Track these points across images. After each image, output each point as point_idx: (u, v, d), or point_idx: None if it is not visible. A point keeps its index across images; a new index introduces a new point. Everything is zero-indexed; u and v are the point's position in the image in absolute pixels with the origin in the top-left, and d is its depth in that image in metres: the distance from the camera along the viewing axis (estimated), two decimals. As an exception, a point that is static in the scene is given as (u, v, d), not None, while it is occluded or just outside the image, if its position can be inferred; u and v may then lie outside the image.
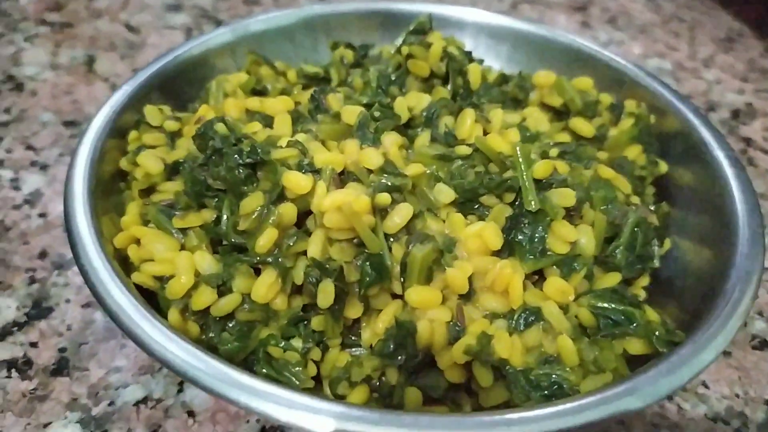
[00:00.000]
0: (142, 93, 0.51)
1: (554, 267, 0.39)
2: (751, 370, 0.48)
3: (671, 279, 0.46)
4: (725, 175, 0.46)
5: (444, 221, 0.40)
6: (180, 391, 0.44)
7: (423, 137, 0.46)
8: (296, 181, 0.37)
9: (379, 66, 0.49)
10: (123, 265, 0.40)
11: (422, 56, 0.49)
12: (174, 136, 0.46)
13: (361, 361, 0.36)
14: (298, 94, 0.50)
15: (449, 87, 0.49)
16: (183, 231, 0.40)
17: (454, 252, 0.38)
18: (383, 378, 0.36)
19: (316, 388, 0.38)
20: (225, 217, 0.39)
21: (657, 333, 0.36)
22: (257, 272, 0.38)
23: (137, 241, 0.40)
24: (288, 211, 0.37)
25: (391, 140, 0.40)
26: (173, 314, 0.36)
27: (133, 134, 0.47)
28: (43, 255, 0.53)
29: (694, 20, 0.93)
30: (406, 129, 0.47)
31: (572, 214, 0.40)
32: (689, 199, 0.49)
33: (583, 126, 0.50)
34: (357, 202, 0.36)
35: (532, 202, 0.38)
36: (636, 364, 0.35)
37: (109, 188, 0.46)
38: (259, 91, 0.52)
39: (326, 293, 0.35)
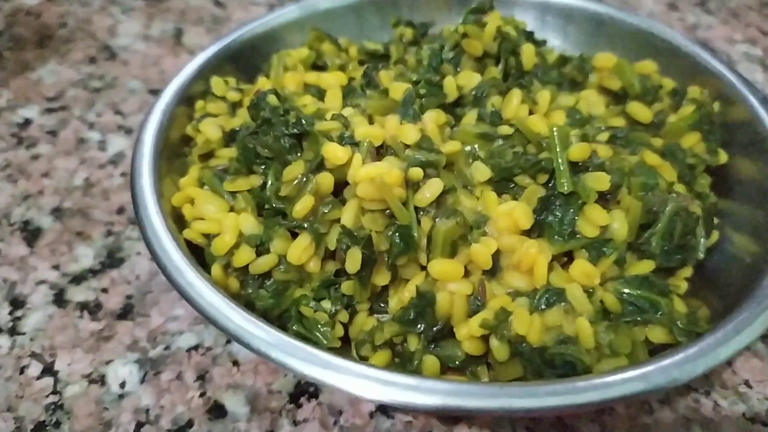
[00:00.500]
0: (214, 65, 0.55)
1: (583, 250, 0.39)
2: (803, 374, 0.46)
3: (717, 271, 0.44)
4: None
5: (478, 198, 0.41)
6: (228, 342, 0.48)
7: (470, 116, 0.47)
8: (334, 152, 0.39)
9: (432, 45, 0.50)
10: (178, 222, 0.43)
11: (477, 36, 0.49)
12: (235, 106, 0.50)
13: (383, 326, 0.38)
14: (354, 69, 0.52)
15: (500, 67, 0.49)
16: (233, 194, 0.43)
17: (484, 229, 0.39)
18: (405, 344, 0.38)
19: (344, 348, 0.40)
20: (270, 182, 0.42)
21: (679, 323, 0.35)
22: (294, 236, 0.40)
23: (192, 201, 0.43)
24: (325, 180, 0.39)
25: (431, 117, 0.41)
26: (216, 269, 0.40)
27: (200, 103, 0.51)
28: (120, 211, 0.58)
29: (798, 3, 0.87)
30: (455, 107, 0.48)
31: (608, 199, 0.40)
32: (748, 191, 0.47)
33: (640, 111, 0.49)
34: (388, 174, 0.37)
35: (565, 184, 0.38)
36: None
37: (176, 152, 0.49)
38: (319, 66, 0.54)
39: (354, 259, 0.37)
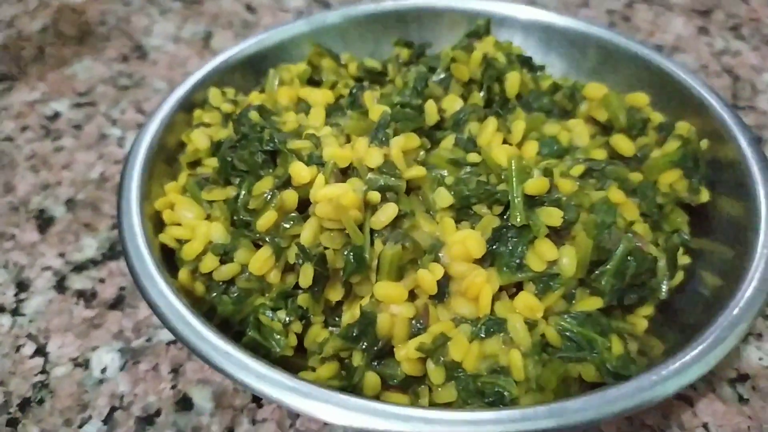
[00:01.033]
0: (221, 74, 0.58)
1: (531, 283, 0.39)
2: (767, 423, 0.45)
3: (682, 311, 0.44)
4: (760, 214, 0.43)
5: (438, 224, 0.42)
6: (205, 339, 0.50)
7: (447, 140, 0.48)
8: (298, 171, 0.41)
9: (420, 68, 0.51)
10: (160, 225, 0.46)
11: (464, 61, 0.50)
12: (228, 118, 0.52)
13: (329, 340, 0.39)
14: (343, 87, 0.54)
15: (482, 94, 0.50)
16: (211, 203, 0.46)
17: (439, 254, 0.41)
18: (350, 359, 0.40)
19: (299, 357, 0.42)
20: (242, 195, 0.44)
21: (608, 364, 0.35)
22: (258, 247, 0.42)
23: (173, 206, 0.46)
24: (289, 197, 0.42)
25: (397, 142, 0.42)
26: (183, 273, 0.42)
27: (197, 111, 0.54)
28: (128, 206, 0.62)
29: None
30: (437, 130, 0.49)
31: (562, 235, 0.40)
32: (727, 232, 0.47)
33: (623, 144, 0.49)
34: (345, 196, 0.39)
35: (518, 217, 0.39)
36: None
37: (172, 156, 0.53)
38: (317, 82, 0.56)
39: (306, 275, 0.39)
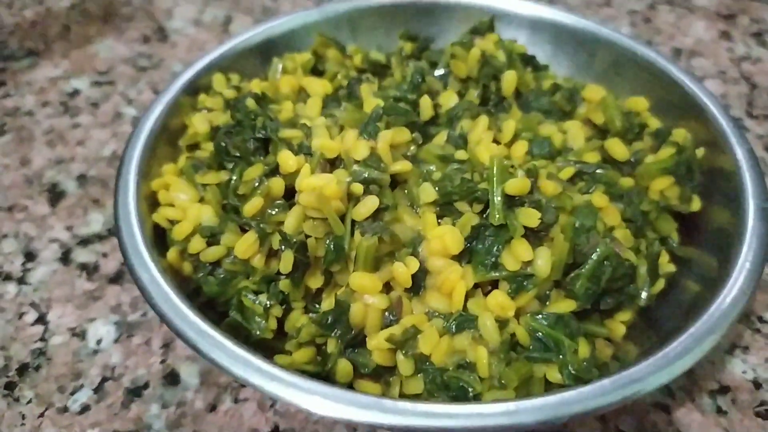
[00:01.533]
0: (230, 59, 0.60)
1: (506, 282, 0.40)
2: (743, 437, 0.45)
3: (662, 319, 0.44)
4: (746, 226, 0.43)
5: (420, 218, 0.43)
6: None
7: (440, 136, 0.48)
8: (286, 160, 0.42)
9: (419, 63, 0.52)
10: (157, 204, 0.48)
11: (462, 57, 0.51)
12: (230, 103, 0.53)
13: (305, 326, 0.41)
14: (344, 79, 0.54)
15: (478, 92, 0.50)
16: (204, 186, 0.47)
17: (419, 248, 0.41)
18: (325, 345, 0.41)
19: (279, 340, 0.44)
20: (233, 180, 0.45)
21: (570, 367, 0.36)
22: (245, 232, 0.44)
23: (169, 187, 0.48)
24: (276, 184, 0.43)
25: (385, 136, 0.43)
26: (172, 252, 0.44)
27: (202, 96, 0.55)
28: (135, 184, 0.64)
29: None
30: (431, 126, 0.50)
31: (541, 236, 0.41)
32: (716, 242, 0.46)
33: (617, 148, 0.49)
34: (327, 187, 0.40)
35: (496, 216, 0.39)
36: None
37: (175, 138, 0.54)
38: (321, 72, 0.57)
39: (286, 261, 0.41)
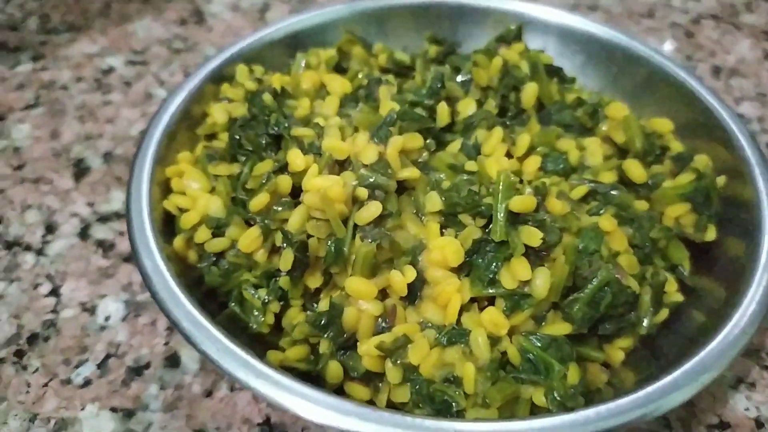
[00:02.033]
0: (257, 50, 0.60)
1: (502, 299, 0.40)
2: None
3: (664, 348, 0.44)
4: (760, 262, 0.42)
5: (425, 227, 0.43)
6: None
7: (454, 144, 0.48)
8: (294, 159, 0.43)
9: (441, 68, 0.51)
10: (170, 191, 0.49)
11: (485, 66, 0.50)
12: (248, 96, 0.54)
13: (299, 325, 0.41)
14: (365, 78, 0.54)
15: (496, 102, 0.49)
16: (216, 177, 0.48)
17: (419, 257, 0.41)
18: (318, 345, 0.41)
19: (276, 335, 0.44)
20: (244, 173, 0.46)
21: (555, 392, 0.36)
22: (250, 226, 0.44)
23: (182, 175, 0.48)
24: (283, 182, 0.43)
25: (395, 142, 0.43)
26: (178, 240, 0.45)
27: (225, 85, 0.55)
28: (158, 165, 0.65)
29: None
30: (447, 132, 0.50)
31: (543, 255, 0.40)
32: (728, 273, 0.45)
33: (635, 169, 0.48)
34: (332, 189, 0.40)
35: (498, 232, 0.39)
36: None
37: (196, 126, 0.55)
38: (345, 69, 0.57)
39: (286, 259, 0.41)
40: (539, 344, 0.38)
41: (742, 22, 0.84)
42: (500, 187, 0.40)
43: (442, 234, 0.42)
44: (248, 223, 0.44)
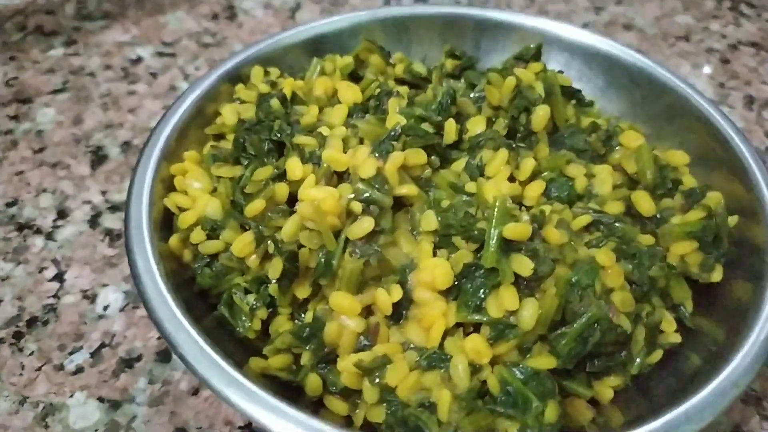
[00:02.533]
0: (277, 52, 0.60)
1: (488, 327, 0.39)
2: None
3: (659, 387, 0.42)
4: (764, 309, 0.40)
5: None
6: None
7: (458, 163, 0.47)
8: (292, 167, 0.43)
9: (454, 83, 0.51)
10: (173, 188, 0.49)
11: (498, 84, 0.49)
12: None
13: (281, 334, 0.41)
14: (376, 88, 0.54)
15: (504, 122, 0.48)
16: (219, 179, 0.48)
17: (409, 276, 0.41)
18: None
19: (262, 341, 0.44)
20: (244, 177, 0.46)
21: (529, 431, 0.35)
22: (245, 230, 0.44)
23: (185, 174, 0.49)
24: (280, 189, 0.43)
25: (394, 158, 0.42)
26: (174, 239, 0.45)
27: (239, 86, 0.56)
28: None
29: None
30: (454, 150, 0.49)
31: (533, 286, 0.39)
32: (729, 315, 0.44)
33: (644, 202, 0.46)
34: (325, 201, 0.40)
35: (488, 259, 0.38)
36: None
37: (207, 125, 0.55)
38: (360, 77, 0.57)
39: (275, 267, 0.41)
40: (521, 377, 0.37)
41: (783, 52, 0.81)
42: (495, 213, 0.39)
43: (435, 254, 0.42)
44: (244, 228, 0.44)
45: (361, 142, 0.47)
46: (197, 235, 0.45)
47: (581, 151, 0.51)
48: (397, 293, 0.39)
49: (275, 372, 0.41)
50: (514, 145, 0.47)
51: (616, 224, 0.44)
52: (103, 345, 0.51)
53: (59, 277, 0.55)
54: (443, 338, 0.39)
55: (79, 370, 0.49)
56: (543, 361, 0.38)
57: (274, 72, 0.57)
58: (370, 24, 0.63)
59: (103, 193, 0.62)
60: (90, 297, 0.54)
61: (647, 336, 0.41)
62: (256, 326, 0.43)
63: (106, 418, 0.46)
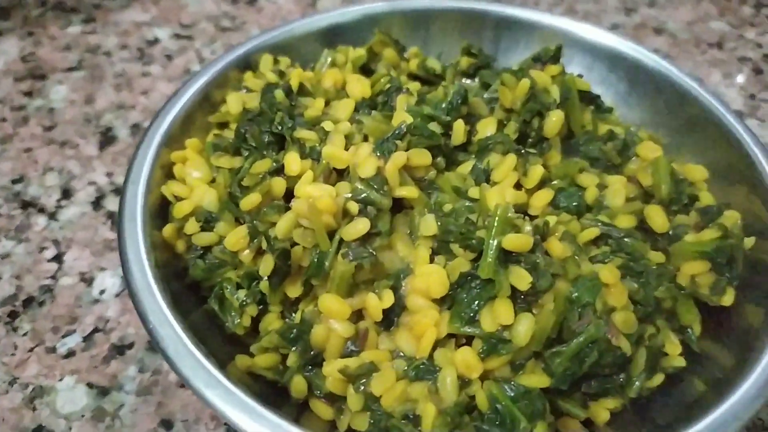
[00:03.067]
0: (289, 41, 0.59)
1: (480, 340, 0.37)
2: None
3: (659, 412, 0.40)
4: (773, 340, 0.38)
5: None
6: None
7: (465, 166, 0.46)
8: (290, 163, 0.41)
9: (466, 83, 0.49)
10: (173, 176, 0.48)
11: (512, 86, 0.47)
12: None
13: (268, 334, 0.40)
14: (386, 83, 0.52)
15: (515, 126, 0.46)
16: (218, 169, 0.47)
17: (403, 282, 0.39)
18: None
19: (252, 338, 0.43)
20: (243, 169, 0.45)
21: (515, 451, 0.33)
22: (240, 224, 0.43)
23: (185, 162, 0.48)
24: (277, 184, 0.42)
25: (395, 158, 0.41)
26: (168, 228, 0.44)
27: (248, 74, 0.55)
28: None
29: None
30: (462, 151, 0.47)
31: (530, 300, 0.38)
32: (738, 341, 0.42)
33: (657, 218, 0.44)
34: (321, 200, 0.39)
35: (485, 269, 0.37)
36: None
37: (213, 112, 0.54)
38: (372, 71, 0.55)
39: (266, 264, 0.40)
40: (511, 394, 0.36)
41: (821, 64, 0.77)
42: (495, 222, 0.37)
43: (432, 260, 0.40)
44: (239, 221, 0.43)
45: (366, 139, 0.45)
46: (191, 226, 0.44)
47: (595, 160, 0.49)
48: (388, 299, 0.38)
49: (261, 371, 0.40)
50: (523, 151, 0.45)
51: (626, 239, 0.42)
52: (96, 330, 0.50)
53: (58, 258, 0.55)
54: (433, 348, 0.37)
55: (70, 353, 0.49)
56: (536, 379, 0.37)
57: (284, 61, 0.56)
58: (388, 16, 0.61)
59: (109, 174, 0.62)
60: (87, 280, 0.53)
61: (648, 359, 0.39)
62: (246, 322, 0.42)
63: (93, 404, 0.46)
